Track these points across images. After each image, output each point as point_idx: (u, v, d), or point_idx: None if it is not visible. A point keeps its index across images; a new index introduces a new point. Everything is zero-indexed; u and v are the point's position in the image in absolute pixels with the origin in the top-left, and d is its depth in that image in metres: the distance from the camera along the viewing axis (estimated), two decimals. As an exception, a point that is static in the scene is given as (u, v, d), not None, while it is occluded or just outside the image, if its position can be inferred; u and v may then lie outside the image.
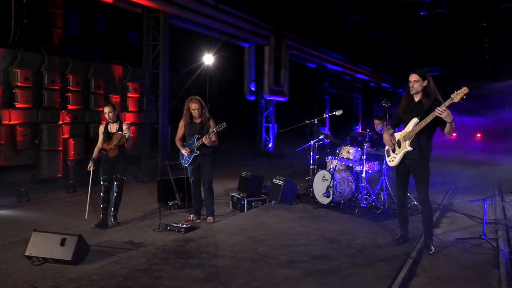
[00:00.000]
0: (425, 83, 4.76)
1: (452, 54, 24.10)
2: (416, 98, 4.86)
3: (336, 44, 20.73)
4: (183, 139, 6.42)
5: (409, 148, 4.84)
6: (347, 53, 22.21)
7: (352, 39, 21.15)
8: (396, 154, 5.01)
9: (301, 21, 17.53)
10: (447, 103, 4.47)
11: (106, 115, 6.05)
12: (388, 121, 6.89)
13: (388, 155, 5.17)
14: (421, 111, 4.77)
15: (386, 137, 5.09)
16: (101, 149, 6.10)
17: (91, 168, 6.02)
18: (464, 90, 4.33)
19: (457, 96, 4.37)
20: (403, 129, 4.99)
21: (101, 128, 6.17)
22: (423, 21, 17.60)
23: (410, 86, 4.81)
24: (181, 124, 6.43)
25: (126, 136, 5.92)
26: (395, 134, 5.10)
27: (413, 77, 4.78)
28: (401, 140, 4.96)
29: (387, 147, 5.20)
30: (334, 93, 22.85)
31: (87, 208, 6.12)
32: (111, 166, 6.06)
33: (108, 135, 6.08)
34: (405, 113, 4.93)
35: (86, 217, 6.11)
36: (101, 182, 6.12)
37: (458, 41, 21.39)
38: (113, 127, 6.10)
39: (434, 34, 20.00)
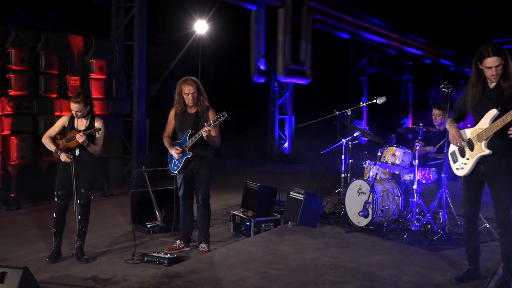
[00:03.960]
0: (503, 62, 4.69)
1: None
2: (492, 84, 4.82)
3: (377, 6, 20.65)
4: (174, 136, 6.44)
5: (487, 152, 4.79)
6: (393, 18, 22.11)
7: (400, -1, 21.07)
8: (467, 159, 4.96)
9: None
10: None
11: (74, 114, 6.02)
12: (450, 113, 6.86)
13: (455, 161, 5.12)
14: (501, 100, 4.71)
15: (453, 132, 5.03)
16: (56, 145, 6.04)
17: (70, 159, 5.92)
18: None
19: None
20: (473, 125, 4.93)
21: (64, 120, 6.12)
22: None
23: (491, 73, 4.70)
24: (172, 114, 6.44)
25: (80, 141, 5.86)
26: (465, 131, 5.04)
27: (494, 61, 4.67)
28: (473, 140, 4.89)
29: (452, 149, 5.16)
30: (374, 74, 22.78)
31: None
32: (69, 178, 5.99)
33: (67, 132, 6.06)
34: (476, 104, 4.86)
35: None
36: (55, 199, 6.10)
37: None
38: (80, 123, 6.08)
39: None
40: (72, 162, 5.95)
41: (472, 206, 5.08)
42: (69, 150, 5.99)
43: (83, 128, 6.04)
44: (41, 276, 5.33)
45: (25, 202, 8.95)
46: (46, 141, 6.10)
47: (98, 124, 6.06)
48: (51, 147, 6.04)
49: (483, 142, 4.81)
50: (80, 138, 5.85)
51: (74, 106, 5.97)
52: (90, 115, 6.12)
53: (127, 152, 11.60)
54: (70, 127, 6.08)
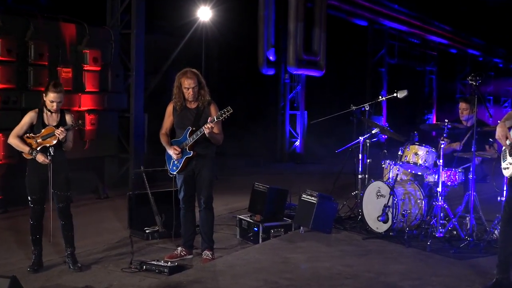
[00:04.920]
0: None
1: None
2: None
3: (398, -10, 20.61)
4: (172, 133, 6.44)
5: None
6: (415, 4, 22.04)
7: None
8: None
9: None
10: None
11: (54, 105, 5.93)
12: (478, 108, 6.81)
13: (504, 159, 5.11)
14: None
15: (500, 131, 5.01)
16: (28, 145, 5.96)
17: (47, 161, 5.87)
18: None
19: None
20: None
21: (31, 116, 6.00)
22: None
23: None
24: (169, 109, 6.45)
25: (61, 138, 5.83)
26: None
27: None
28: None
29: (503, 148, 5.14)
30: (394, 64, 22.71)
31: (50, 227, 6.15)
32: (43, 180, 5.96)
33: (38, 129, 5.98)
34: None
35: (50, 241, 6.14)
36: (30, 204, 6.09)
37: None
38: (51, 119, 6.03)
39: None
40: (50, 163, 5.90)
41: (511, 210, 5.05)
42: (43, 150, 5.94)
43: (54, 123, 5.99)
44: (30, 285, 5.35)
45: (13, 205, 8.97)
46: (15, 141, 5.96)
47: (69, 118, 6.06)
48: (23, 147, 5.92)
49: None
50: (61, 134, 5.82)
51: (55, 96, 5.89)
52: (60, 111, 6.09)
53: (124, 150, 11.62)
54: (40, 124, 5.98)
